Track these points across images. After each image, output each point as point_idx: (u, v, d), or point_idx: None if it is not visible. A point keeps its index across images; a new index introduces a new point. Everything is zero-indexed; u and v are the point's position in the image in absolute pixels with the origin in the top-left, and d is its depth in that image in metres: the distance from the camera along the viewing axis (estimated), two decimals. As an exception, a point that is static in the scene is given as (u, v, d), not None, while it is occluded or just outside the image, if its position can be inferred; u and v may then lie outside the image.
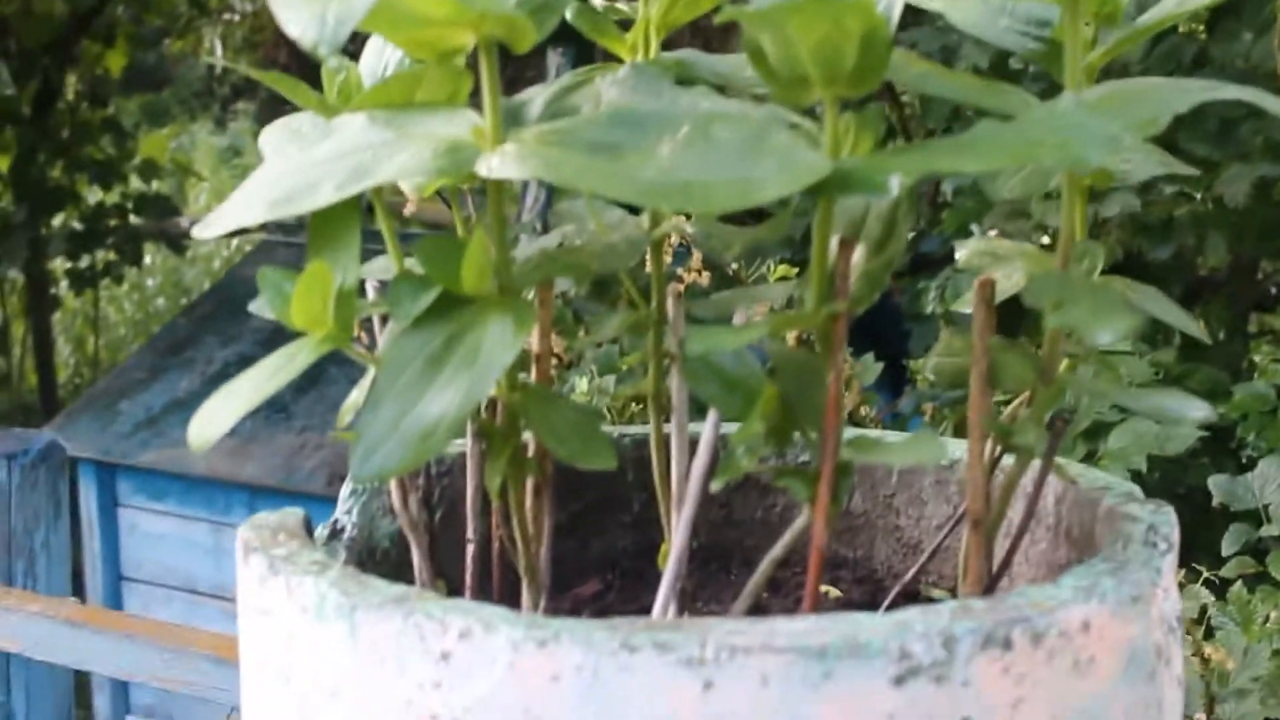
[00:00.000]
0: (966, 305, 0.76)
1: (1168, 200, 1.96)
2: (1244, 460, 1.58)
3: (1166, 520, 0.66)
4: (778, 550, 0.60)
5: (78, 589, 3.14)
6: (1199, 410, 0.63)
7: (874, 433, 0.71)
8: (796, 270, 1.97)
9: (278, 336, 0.56)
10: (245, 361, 3.12)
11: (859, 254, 0.60)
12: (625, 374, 1.52)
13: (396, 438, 0.54)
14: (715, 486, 0.59)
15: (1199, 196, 1.88)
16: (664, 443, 0.72)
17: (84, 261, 4.65)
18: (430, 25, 0.56)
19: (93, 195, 4.77)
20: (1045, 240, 1.97)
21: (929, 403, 1.92)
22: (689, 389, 0.59)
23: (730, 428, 0.60)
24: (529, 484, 0.64)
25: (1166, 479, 1.68)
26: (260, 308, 0.62)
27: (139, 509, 3.16)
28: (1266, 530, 1.34)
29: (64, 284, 4.94)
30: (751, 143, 0.53)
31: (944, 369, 0.65)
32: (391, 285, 0.58)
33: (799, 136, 0.56)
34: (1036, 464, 0.65)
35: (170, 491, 3.11)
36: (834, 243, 0.58)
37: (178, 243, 4.94)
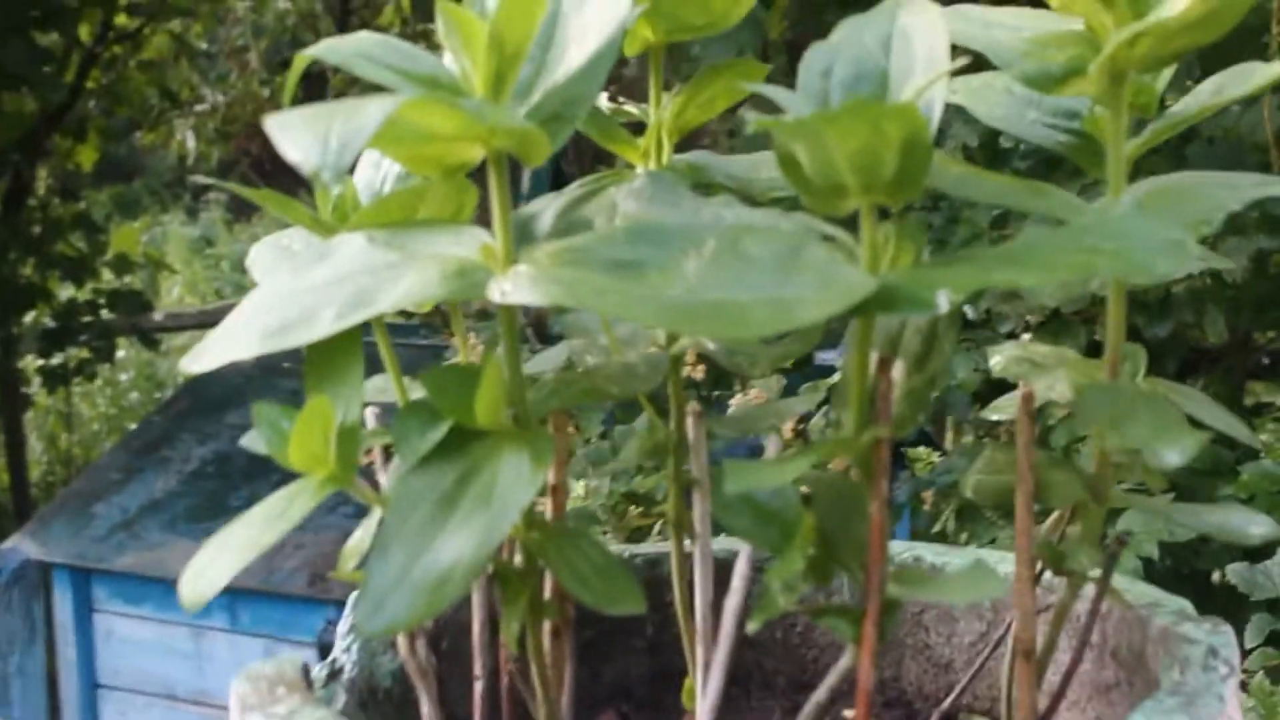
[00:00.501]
0: (995, 412, 0.73)
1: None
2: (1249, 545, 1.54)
3: (1226, 641, 0.62)
4: (822, 693, 0.55)
5: (52, 697, 3.06)
6: (1261, 526, 0.60)
7: (913, 550, 0.66)
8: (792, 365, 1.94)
9: None
10: (223, 460, 3.05)
11: (898, 371, 0.56)
12: (622, 473, 1.47)
13: (406, 587, 0.50)
14: (752, 628, 0.54)
15: (1196, 272, 1.85)
16: (684, 564, 0.68)
17: (56, 359, 4.58)
18: (437, 141, 0.52)
19: (65, 291, 4.72)
20: (1032, 318, 1.94)
21: (927, 490, 1.89)
22: (716, 520, 0.55)
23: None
24: (546, 626, 0.60)
25: (1177, 563, 1.64)
26: (253, 443, 0.58)
27: (116, 614, 3.08)
28: (1289, 621, 1.30)
29: (36, 382, 4.87)
30: (786, 259, 0.49)
31: (986, 487, 0.61)
32: (397, 419, 0.53)
33: (835, 250, 0.52)
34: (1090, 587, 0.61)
35: (148, 596, 3.04)
36: (872, 360, 0.54)
37: (151, 337, 4.88)
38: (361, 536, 0.58)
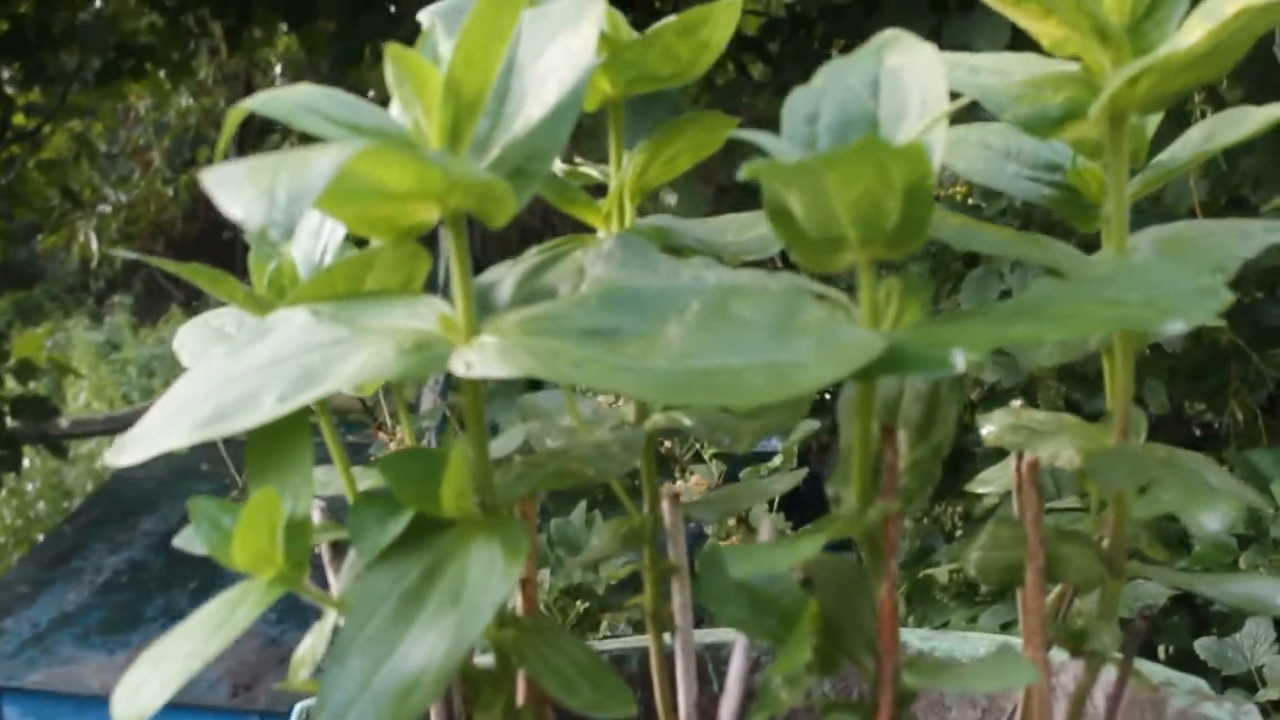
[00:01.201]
0: (982, 486, 0.68)
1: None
2: (1211, 615, 1.51)
3: (1251, 722, 0.57)
4: (831, 800, 0.50)
5: (-38, 823, 2.92)
6: (1288, 595, 0.55)
7: (929, 639, 0.61)
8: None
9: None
10: (137, 568, 2.94)
11: (901, 443, 0.51)
12: (559, 568, 1.41)
13: (369, 698, 0.44)
14: (753, 729, 0.49)
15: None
16: (664, 661, 0.62)
17: (-41, 470, 4.44)
18: (390, 199, 0.47)
19: (-33, 400, 4.59)
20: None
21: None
22: (716, 612, 0.50)
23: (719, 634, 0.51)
24: (521, 736, 0.54)
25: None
26: (189, 543, 0.52)
27: (27, 733, 2.96)
28: (1263, 695, 1.26)
29: (-62, 494, 4.73)
30: (781, 320, 0.45)
31: (990, 564, 0.56)
32: (352, 511, 0.48)
33: (834, 309, 0.47)
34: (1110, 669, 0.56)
35: (61, 713, 2.91)
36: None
37: (58, 444, 4.76)
38: (312, 643, 0.52)
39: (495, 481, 0.51)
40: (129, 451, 0.49)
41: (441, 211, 0.48)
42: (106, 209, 5.93)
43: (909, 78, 0.50)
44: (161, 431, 0.48)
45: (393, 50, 0.46)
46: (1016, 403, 0.65)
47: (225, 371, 0.49)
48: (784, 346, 0.43)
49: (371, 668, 0.45)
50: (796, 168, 0.43)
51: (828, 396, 2.69)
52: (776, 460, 1.58)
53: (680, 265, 0.52)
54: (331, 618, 0.51)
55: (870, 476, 0.49)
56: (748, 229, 0.62)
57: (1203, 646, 1.33)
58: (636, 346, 0.45)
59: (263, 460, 0.49)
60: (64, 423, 5.02)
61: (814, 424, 1.58)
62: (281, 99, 0.47)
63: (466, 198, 0.47)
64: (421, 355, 0.47)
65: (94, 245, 5.95)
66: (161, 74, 3.87)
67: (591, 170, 0.61)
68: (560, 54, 0.50)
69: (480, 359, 0.46)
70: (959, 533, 2.01)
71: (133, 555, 3.28)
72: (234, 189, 0.39)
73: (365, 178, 0.45)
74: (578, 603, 1.35)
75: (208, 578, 2.86)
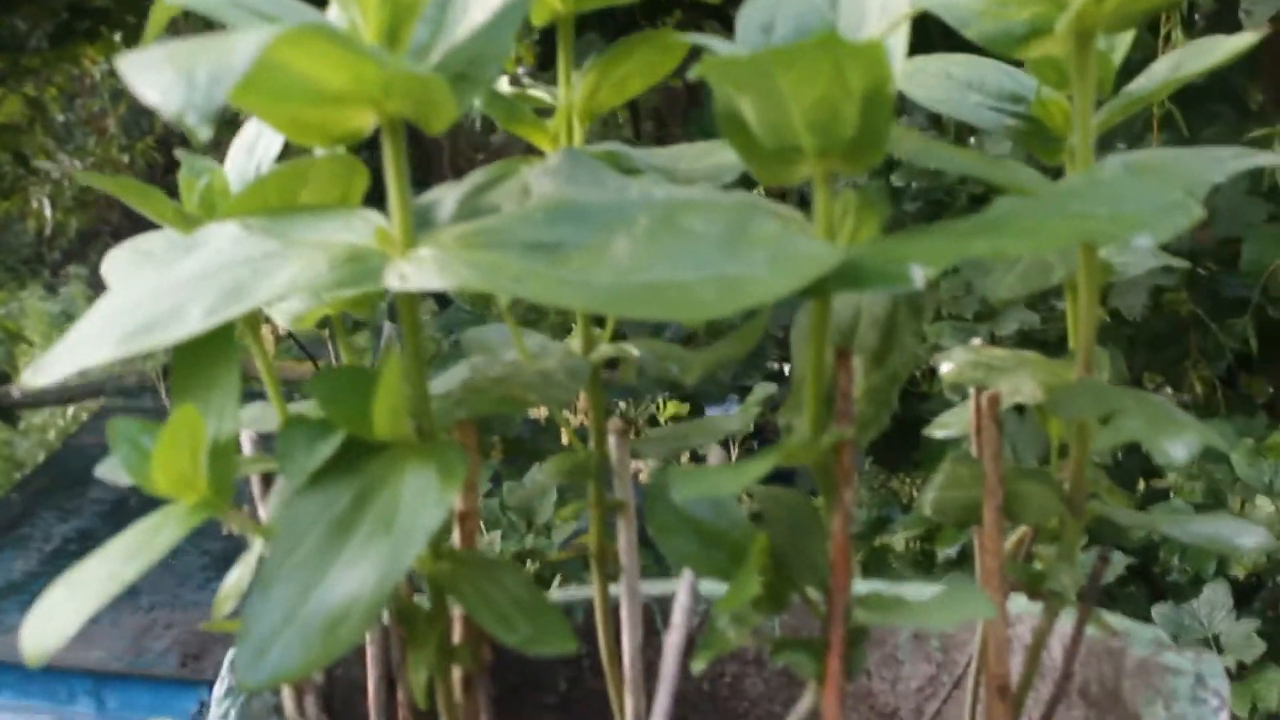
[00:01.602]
0: (942, 429, 0.66)
1: (1062, 315, 1.90)
2: (1167, 585, 1.50)
3: (1214, 670, 0.56)
4: (779, 741, 0.48)
5: (-94, 793, 2.88)
6: (1254, 536, 0.53)
7: (888, 586, 0.59)
8: (689, 409, 1.87)
9: (124, 507, 0.43)
10: (87, 537, 2.91)
11: (855, 369, 0.49)
12: (512, 532, 1.39)
13: (295, 630, 0.42)
14: (697, 668, 0.47)
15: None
16: (607, 606, 0.60)
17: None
18: (322, 100, 0.44)
19: (-83, 368, 4.53)
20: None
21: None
22: (663, 546, 0.47)
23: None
24: (457, 675, 0.52)
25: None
26: (110, 471, 0.49)
27: (-27, 701, 2.92)
28: (1222, 661, 1.24)
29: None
30: (733, 233, 0.42)
31: (948, 504, 0.54)
32: (280, 433, 0.45)
33: (789, 224, 0.45)
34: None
35: (7, 682, 2.87)
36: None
37: (9, 413, 4.70)
38: (240, 575, 0.50)
39: (433, 406, 0.48)
40: (49, 369, 0.46)
41: (378, 116, 0.45)
42: (61, 175, 5.85)
43: (870, -13, 0.48)
44: (84, 347, 0.45)
45: (326, -58, 0.44)
46: (976, 340, 0.63)
47: (151, 286, 0.46)
48: (735, 259, 0.41)
49: (298, 597, 0.42)
50: (749, 64, 0.41)
51: (784, 369, 2.67)
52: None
53: (629, 181, 0.49)
54: (258, 548, 0.49)
55: (824, 404, 0.47)
56: (704, 156, 0.60)
57: (1159, 614, 1.32)
58: (582, 260, 0.42)
59: (188, 379, 0.47)
60: (15, 393, 4.96)
61: (771, 386, 1.56)
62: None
63: (404, 100, 0.44)
64: (355, 268, 0.45)
65: (48, 213, 5.88)
66: (117, 37, 3.81)
67: (541, 93, 0.59)
68: (506, -42, 0.48)
69: (416, 271, 0.43)
70: (914, 505, 2.00)
71: (82, 524, 3.23)
72: (151, 72, 0.37)
73: (296, 73, 0.42)
74: (529, 563, 1.33)
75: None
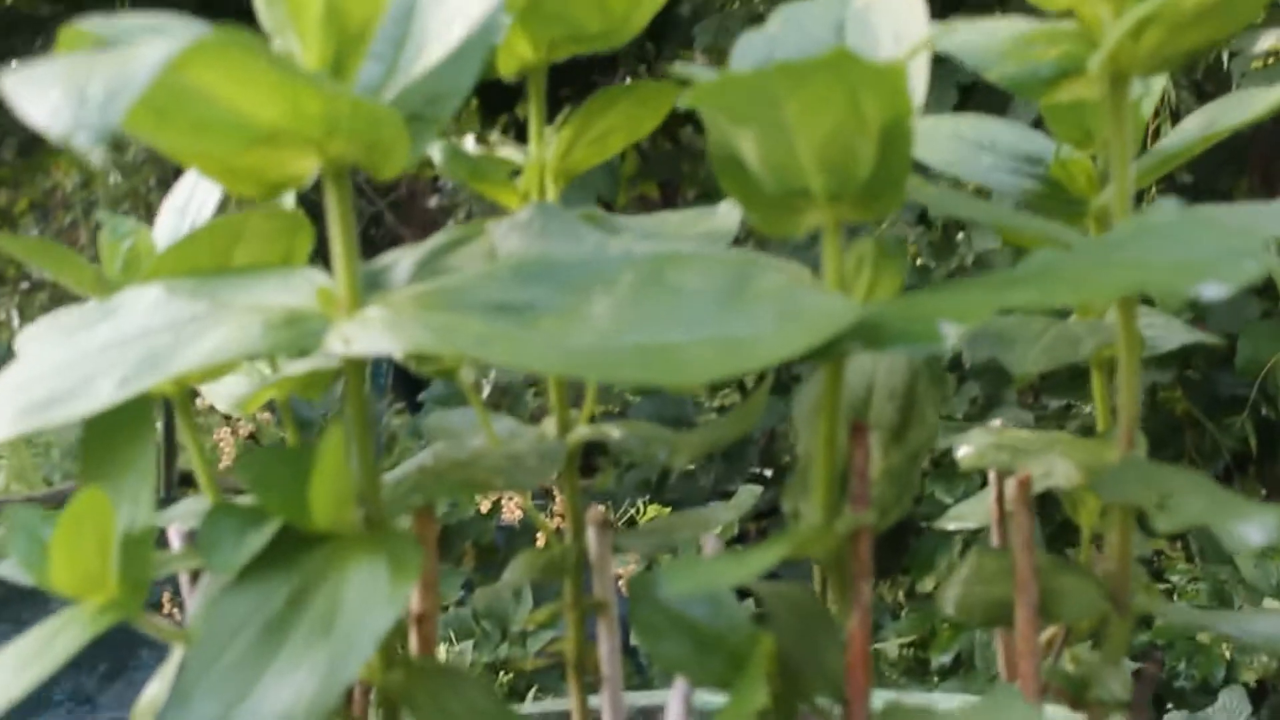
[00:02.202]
0: (953, 521, 0.60)
1: (1054, 415, 1.85)
2: (1171, 691, 1.43)
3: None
4: None
5: None
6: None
7: (913, 696, 0.53)
8: (669, 510, 1.80)
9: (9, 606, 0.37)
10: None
11: (873, 445, 0.43)
12: (486, 642, 1.31)
13: (220, 751, 0.36)
14: (693, 793, 0.40)
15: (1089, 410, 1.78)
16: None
17: None
18: (254, 139, 0.38)
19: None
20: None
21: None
22: (651, 651, 0.41)
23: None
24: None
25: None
26: (10, 570, 0.43)
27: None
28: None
29: None
30: (731, 288, 0.37)
31: (974, 601, 0.48)
32: (204, 522, 0.39)
33: (794, 277, 0.39)
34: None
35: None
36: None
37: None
38: (160, 689, 0.43)
39: (384, 492, 0.42)
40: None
41: (320, 158, 0.39)
42: (29, 287, 5.78)
43: (880, 18, 0.43)
44: (-21, 423, 0.39)
45: (260, -45, 0.38)
46: (996, 421, 0.57)
47: (60, 356, 0.40)
48: (735, 317, 0.36)
49: (222, 712, 0.36)
50: (749, 86, 0.35)
51: (765, 473, 2.60)
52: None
53: (606, 236, 0.44)
54: (178, 654, 0.42)
55: (836, 485, 0.41)
56: (694, 223, 0.54)
57: (1174, 722, 1.25)
58: (556, 322, 0.37)
59: (98, 461, 0.40)
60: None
61: (755, 490, 1.49)
62: (123, 20, 0.39)
63: (350, 140, 0.38)
64: (293, 331, 0.39)
65: (15, 323, 5.80)
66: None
67: (512, 151, 0.53)
68: (470, -14, 0.42)
69: (362, 333, 0.37)
70: (905, 611, 1.93)
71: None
72: (38, 89, 0.31)
73: (221, 102, 0.36)
74: (501, 675, 1.26)
75: (119, 661, 2.72)
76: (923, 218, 1.88)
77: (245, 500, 0.41)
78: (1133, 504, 0.44)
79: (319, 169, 0.40)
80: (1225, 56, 1.66)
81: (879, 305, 0.37)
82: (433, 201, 4.61)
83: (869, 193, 0.38)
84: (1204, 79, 1.93)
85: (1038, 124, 0.60)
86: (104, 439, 0.41)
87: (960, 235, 1.79)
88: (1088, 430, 1.75)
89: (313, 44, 0.39)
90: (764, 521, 2.44)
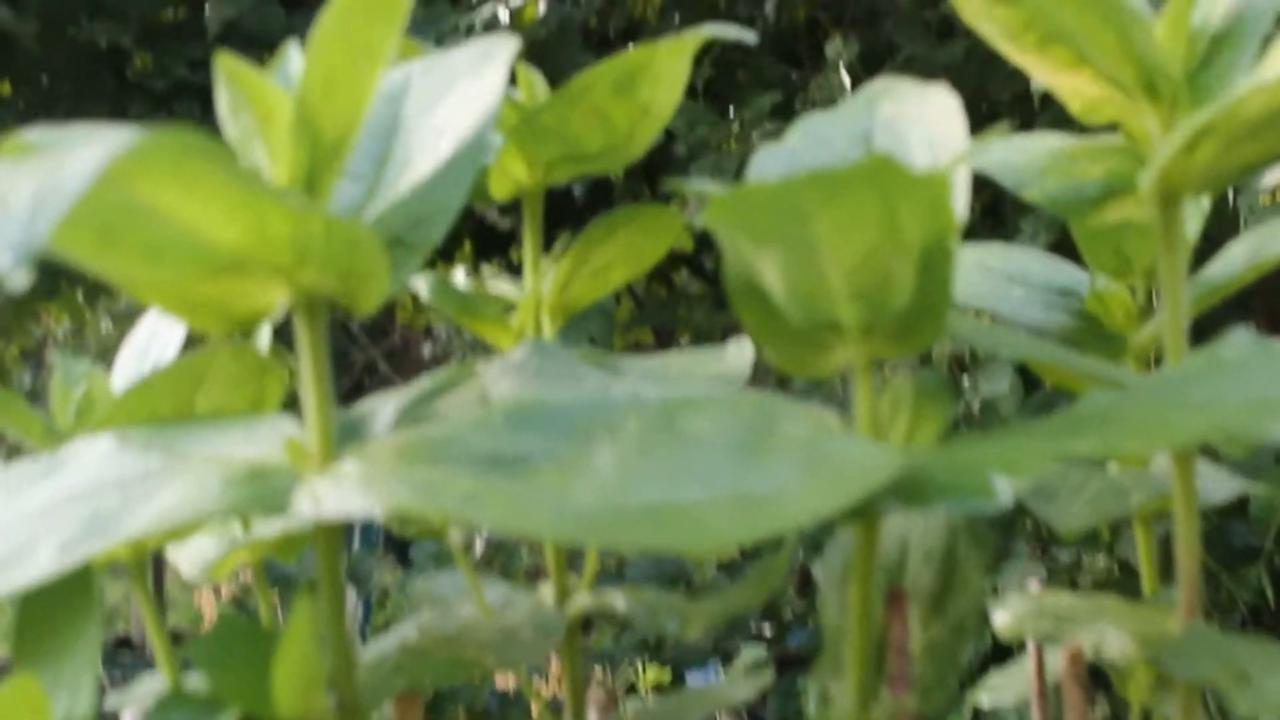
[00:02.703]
0: (989, 693, 0.55)
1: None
2: None
3: None
4: None
5: None
6: None
7: None
8: (668, 670, 1.73)
9: None
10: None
11: (910, 616, 0.38)
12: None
13: None
14: None
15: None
16: None
17: None
18: (215, 266, 0.34)
19: None
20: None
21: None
22: None
23: None
24: None
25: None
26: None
27: None
28: None
29: None
30: (750, 437, 0.32)
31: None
32: (153, 713, 0.34)
33: (820, 424, 0.34)
34: None
35: None
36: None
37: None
38: None
39: (361, 675, 0.37)
40: None
41: (289, 288, 0.35)
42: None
43: (910, 126, 0.39)
44: (-102, 600, 0.34)
45: (225, 63, 0.34)
46: (1034, 582, 0.53)
47: (-3, 520, 0.36)
48: (756, 471, 0.31)
49: None
50: (774, 198, 0.31)
51: (764, 631, 2.53)
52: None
53: (608, 377, 0.39)
54: None
55: (871, 664, 0.36)
56: (702, 364, 0.50)
57: None
58: (554, 476, 0.32)
59: (34, 641, 0.35)
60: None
61: (758, 650, 1.44)
62: (70, 130, 0.34)
63: (324, 267, 0.34)
64: (257, 488, 0.34)
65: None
66: (79, 294, 3.73)
67: (505, 285, 0.49)
68: (458, 105, 0.38)
69: (335, 491, 0.33)
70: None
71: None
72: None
73: (175, 222, 0.32)
74: None
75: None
76: (924, 358, 1.84)
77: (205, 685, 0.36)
78: (1203, 681, 0.39)
79: (289, 300, 0.36)
80: (1230, 193, 1.63)
81: (919, 455, 0.33)
82: (427, 349, 4.56)
83: (906, 324, 0.34)
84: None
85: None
86: (41, 615, 0.36)
87: (965, 378, 1.75)
88: (1100, 585, 1.69)
89: (283, 157, 0.35)
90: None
